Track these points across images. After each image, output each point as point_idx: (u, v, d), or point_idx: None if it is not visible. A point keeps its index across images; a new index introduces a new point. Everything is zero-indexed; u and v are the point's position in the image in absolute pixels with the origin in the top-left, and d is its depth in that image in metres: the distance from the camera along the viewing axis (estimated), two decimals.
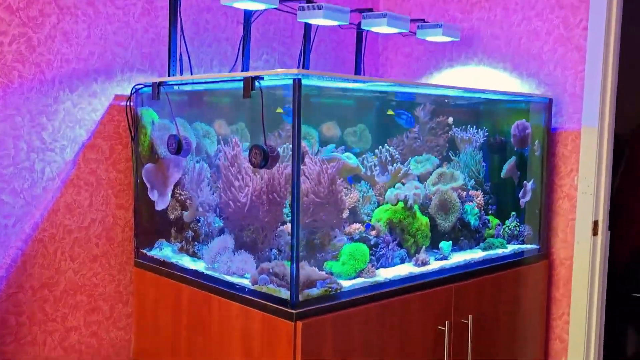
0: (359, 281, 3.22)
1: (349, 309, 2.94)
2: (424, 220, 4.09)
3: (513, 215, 4.36)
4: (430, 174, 4.37)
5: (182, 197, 4.16)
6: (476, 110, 4.65)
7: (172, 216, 4.15)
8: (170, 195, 3.91)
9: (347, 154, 4.19)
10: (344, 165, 4.07)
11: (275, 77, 2.80)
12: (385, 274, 3.43)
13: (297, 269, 2.79)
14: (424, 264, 3.89)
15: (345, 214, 3.91)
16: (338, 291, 2.99)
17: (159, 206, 3.91)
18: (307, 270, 3.38)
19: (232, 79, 3.08)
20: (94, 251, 3.69)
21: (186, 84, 3.80)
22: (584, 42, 4.02)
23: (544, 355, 4.36)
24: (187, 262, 3.59)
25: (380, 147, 4.29)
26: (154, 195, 4.07)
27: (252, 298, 2.94)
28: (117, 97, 3.73)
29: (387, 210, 3.98)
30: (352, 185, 4.07)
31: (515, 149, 4.42)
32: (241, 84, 2.76)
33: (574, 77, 4.06)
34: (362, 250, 3.63)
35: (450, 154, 4.51)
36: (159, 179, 3.98)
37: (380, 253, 3.82)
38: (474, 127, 4.57)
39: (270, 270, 3.36)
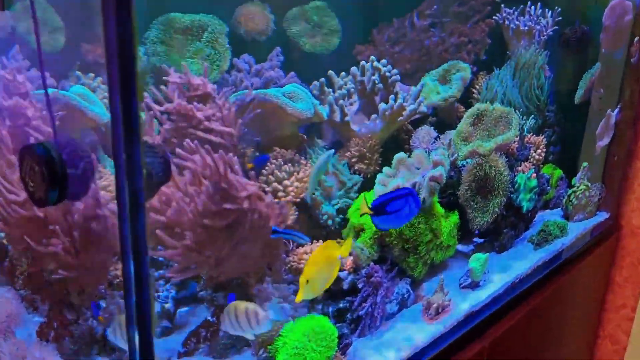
0: None
1: None
2: (450, 220, 2.04)
3: (584, 167, 2.40)
4: (455, 103, 2.23)
5: None
6: None
7: None
8: None
9: (290, 87, 1.97)
10: (275, 114, 1.89)
11: None
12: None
13: None
14: (441, 311, 1.97)
15: (291, 218, 1.85)
16: None
17: None
18: None
19: None
20: None
21: None
22: None
23: (588, 357, 3.18)
24: None
25: (361, 60, 2.08)
26: None
27: None
28: None
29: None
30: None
31: (602, 50, 2.59)
32: None
33: None
34: (322, 334, 1.69)
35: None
36: None
37: (362, 312, 1.84)
38: (537, 6, 2.36)
39: None
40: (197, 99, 1.71)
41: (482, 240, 2.42)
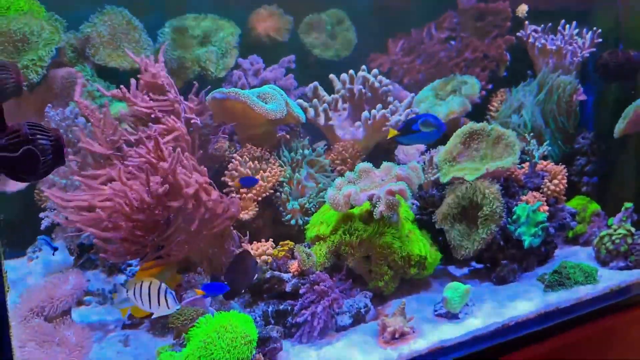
0: None
1: None
2: (420, 244, 1.92)
3: (628, 208, 2.18)
4: (460, 118, 2.11)
5: None
6: None
7: None
8: None
9: (266, 88, 1.98)
10: (246, 112, 1.91)
11: None
12: None
13: None
14: (398, 337, 1.84)
15: (250, 214, 1.86)
16: None
17: None
18: None
19: None
20: None
21: None
22: None
23: None
24: None
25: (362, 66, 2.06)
26: None
27: None
28: None
29: (337, 220, 1.85)
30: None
31: None
32: None
33: None
34: (233, 333, 1.66)
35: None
36: None
37: (301, 319, 1.79)
38: (572, 25, 2.16)
39: None
40: (153, 90, 1.79)
41: (480, 265, 2.22)
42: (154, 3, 2.25)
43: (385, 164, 1.89)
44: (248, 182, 1.92)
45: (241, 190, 1.93)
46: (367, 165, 1.89)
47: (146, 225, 1.71)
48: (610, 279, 2.25)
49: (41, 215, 1.95)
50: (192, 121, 1.84)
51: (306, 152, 2.02)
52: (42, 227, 1.95)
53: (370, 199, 1.81)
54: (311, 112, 2.08)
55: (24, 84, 1.86)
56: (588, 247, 2.43)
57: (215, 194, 1.76)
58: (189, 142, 1.79)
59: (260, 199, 1.94)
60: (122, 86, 1.81)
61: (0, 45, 1.90)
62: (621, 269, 2.33)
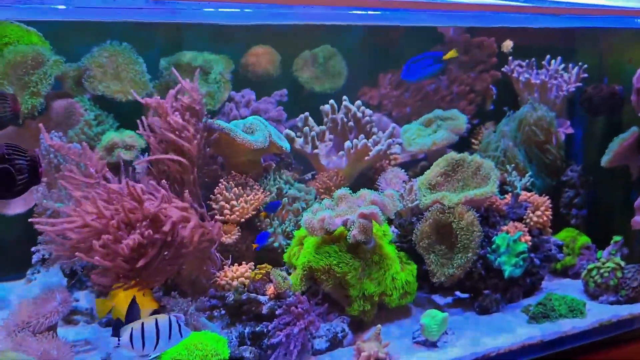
0: None
1: None
2: (400, 271, 1.95)
3: (617, 242, 2.07)
4: (446, 150, 2.15)
5: None
6: (557, 34, 2.28)
7: None
8: None
9: (251, 119, 2.07)
10: (230, 142, 1.99)
11: None
12: None
13: None
14: None
15: (233, 238, 1.92)
16: None
17: None
18: None
19: None
20: None
21: None
22: None
23: None
24: None
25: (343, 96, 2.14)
26: None
27: None
28: None
29: (312, 245, 1.90)
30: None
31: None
32: None
33: None
34: (204, 351, 1.71)
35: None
36: None
37: (275, 340, 1.83)
38: (557, 60, 2.20)
39: None
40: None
41: (465, 295, 2.24)
42: (153, 40, 2.38)
43: (361, 191, 1.95)
44: (272, 207, 2.01)
45: (224, 212, 2.01)
46: (344, 191, 1.94)
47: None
48: (599, 313, 2.22)
49: (33, 249, 2.05)
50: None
51: (283, 183, 2.10)
52: (33, 260, 2.05)
53: (344, 223, 1.86)
54: (299, 141, 2.16)
55: (23, 114, 2.01)
56: (578, 279, 2.41)
57: (194, 220, 1.82)
58: (195, 164, 1.88)
59: (243, 220, 2.01)
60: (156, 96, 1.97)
61: (18, 74, 2.06)
62: (612, 303, 2.30)
